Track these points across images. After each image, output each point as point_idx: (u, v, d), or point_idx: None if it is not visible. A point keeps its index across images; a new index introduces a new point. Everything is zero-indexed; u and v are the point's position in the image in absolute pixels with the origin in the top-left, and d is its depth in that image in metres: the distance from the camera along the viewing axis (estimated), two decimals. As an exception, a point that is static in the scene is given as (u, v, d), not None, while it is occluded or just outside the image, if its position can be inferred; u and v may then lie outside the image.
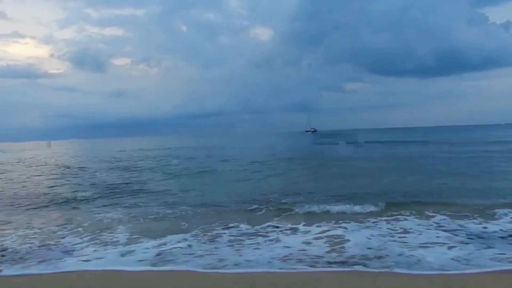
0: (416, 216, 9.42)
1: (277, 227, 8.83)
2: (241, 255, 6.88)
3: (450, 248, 6.95)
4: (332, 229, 8.43)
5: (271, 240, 7.79)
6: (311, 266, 6.22)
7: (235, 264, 6.40)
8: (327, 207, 10.35)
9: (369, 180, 15.90)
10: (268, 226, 8.92)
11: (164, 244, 7.66)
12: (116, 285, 5.75)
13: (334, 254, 6.80)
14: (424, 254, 6.57)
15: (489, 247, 6.96)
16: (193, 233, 8.44)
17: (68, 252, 7.34)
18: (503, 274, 5.70)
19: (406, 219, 9.15)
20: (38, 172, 24.26)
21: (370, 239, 7.62)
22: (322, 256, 6.69)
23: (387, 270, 5.92)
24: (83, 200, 13.31)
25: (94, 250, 7.43)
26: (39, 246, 7.78)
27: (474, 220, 8.90)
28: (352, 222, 8.96)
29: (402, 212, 9.79)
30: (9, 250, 7.58)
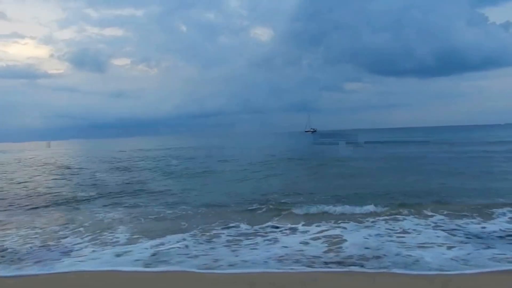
0: (415, 216, 9.44)
1: (277, 227, 8.85)
2: (237, 256, 6.87)
3: (448, 248, 6.95)
4: (330, 229, 8.45)
5: (269, 240, 7.81)
6: (307, 266, 6.22)
7: (230, 265, 6.38)
8: (327, 207, 10.35)
9: (368, 180, 15.91)
10: (268, 226, 8.94)
11: (162, 244, 7.66)
12: (112, 285, 5.76)
13: (331, 254, 6.80)
14: (423, 254, 6.57)
15: (488, 247, 6.97)
16: (191, 233, 8.45)
17: (67, 253, 7.34)
18: (502, 274, 5.70)
19: (405, 219, 9.16)
20: (38, 172, 24.27)
21: (368, 239, 7.63)
22: (319, 256, 6.70)
23: (385, 270, 5.92)
24: (84, 200, 13.32)
25: (92, 251, 7.43)
26: (39, 247, 7.79)
27: (473, 220, 8.91)
28: (351, 222, 8.97)
29: (401, 212, 9.81)
30: (9, 250, 7.59)
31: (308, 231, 8.41)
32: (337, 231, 8.25)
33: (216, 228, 8.87)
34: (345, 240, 7.56)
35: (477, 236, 7.67)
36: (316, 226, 8.74)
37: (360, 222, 8.95)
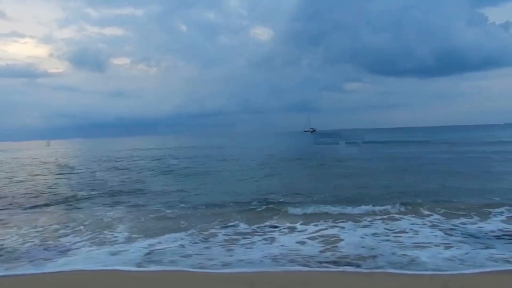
0: (413, 215, 9.47)
1: (275, 226, 8.87)
2: (232, 255, 6.88)
3: (445, 247, 6.96)
4: (328, 228, 8.48)
5: (266, 240, 7.84)
6: (302, 265, 6.23)
7: (224, 264, 6.40)
8: (325, 207, 10.39)
9: (367, 180, 15.93)
10: (266, 225, 8.97)
11: (160, 243, 7.69)
12: (110, 285, 5.77)
13: (327, 254, 6.82)
14: (419, 254, 6.59)
15: (485, 246, 6.98)
16: (189, 232, 8.48)
17: (64, 252, 7.36)
18: (500, 274, 5.71)
19: (402, 219, 9.20)
20: (37, 171, 24.29)
21: (364, 238, 7.66)
22: (314, 256, 6.71)
23: (383, 270, 5.94)
24: (84, 199, 13.36)
25: (89, 250, 7.44)
26: (38, 245, 7.82)
27: (471, 220, 8.95)
28: (350, 221, 8.99)
29: (399, 211, 9.84)
30: (8, 249, 7.61)
31: (306, 230, 8.44)
32: (334, 231, 8.28)
33: (215, 227, 8.90)
34: (342, 240, 7.59)
35: (474, 236, 7.69)
36: (314, 225, 8.77)
37: (358, 222, 8.98)
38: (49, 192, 15.09)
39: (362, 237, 7.72)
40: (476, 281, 5.50)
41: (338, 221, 9.09)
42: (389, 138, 62.96)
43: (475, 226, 8.45)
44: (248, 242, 7.71)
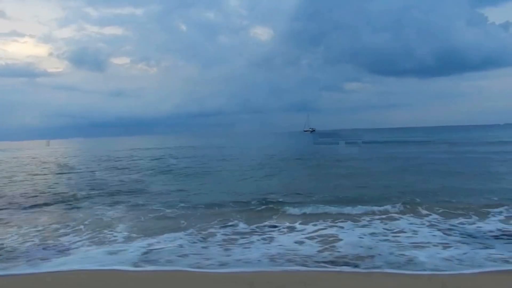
0: (412, 215, 9.48)
1: (275, 226, 8.88)
2: (229, 255, 6.87)
3: (444, 247, 6.96)
4: (327, 228, 8.49)
5: (264, 239, 7.83)
6: (300, 265, 6.23)
7: (221, 264, 6.39)
8: (325, 207, 10.39)
9: (367, 180, 15.94)
10: (265, 225, 8.97)
11: (158, 242, 7.69)
12: (108, 284, 5.77)
13: (325, 253, 6.82)
14: (418, 253, 6.59)
15: (484, 246, 6.98)
16: (188, 232, 8.48)
17: (63, 251, 7.36)
18: (499, 274, 5.70)
19: (401, 218, 9.20)
20: (37, 171, 24.31)
21: (362, 238, 7.66)
22: (312, 256, 6.71)
23: (381, 270, 5.94)
24: (83, 198, 13.35)
25: (88, 249, 7.44)
26: (38, 245, 7.82)
27: (469, 220, 8.94)
28: (349, 221, 8.99)
29: (398, 211, 9.85)
30: (7, 248, 7.61)
31: (305, 230, 8.45)
32: (333, 230, 8.28)
33: (214, 226, 8.90)
34: (340, 240, 7.59)
35: (473, 236, 7.69)
36: (313, 225, 8.77)
37: (357, 222, 8.98)
38: (49, 192, 15.10)
39: (360, 237, 7.73)
40: (475, 281, 5.50)
41: (337, 221, 9.09)
42: (389, 138, 63.03)
43: (473, 226, 8.46)
44: (247, 241, 7.71)
